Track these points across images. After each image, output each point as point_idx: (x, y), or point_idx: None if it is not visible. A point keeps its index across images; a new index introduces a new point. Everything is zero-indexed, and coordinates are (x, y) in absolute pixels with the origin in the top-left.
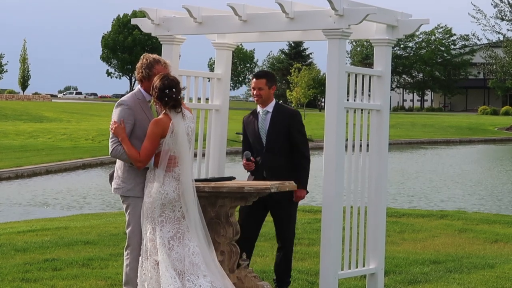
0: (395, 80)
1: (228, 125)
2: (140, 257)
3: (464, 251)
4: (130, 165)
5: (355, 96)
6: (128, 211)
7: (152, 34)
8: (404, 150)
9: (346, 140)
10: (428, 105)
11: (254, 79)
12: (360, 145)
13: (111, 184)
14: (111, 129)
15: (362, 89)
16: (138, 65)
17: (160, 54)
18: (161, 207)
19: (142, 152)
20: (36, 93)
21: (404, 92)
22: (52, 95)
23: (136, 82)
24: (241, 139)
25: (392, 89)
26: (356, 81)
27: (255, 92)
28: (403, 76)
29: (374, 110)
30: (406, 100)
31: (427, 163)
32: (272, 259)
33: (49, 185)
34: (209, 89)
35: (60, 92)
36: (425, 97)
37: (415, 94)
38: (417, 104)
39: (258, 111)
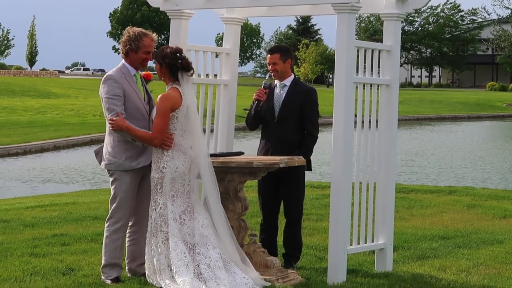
0: (403, 56)
1: (237, 100)
2: (147, 234)
3: (473, 227)
4: (119, 140)
5: (364, 71)
6: (115, 185)
7: (161, 9)
8: (412, 126)
9: (356, 116)
10: (436, 81)
11: (268, 55)
12: (370, 121)
13: (97, 159)
14: (111, 126)
15: (372, 64)
16: (124, 39)
17: (168, 30)
18: (172, 182)
19: (154, 129)
20: (43, 69)
21: (412, 68)
22: (59, 71)
23: (121, 56)
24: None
25: (400, 65)
26: (365, 56)
27: (270, 68)
28: (411, 52)
29: (383, 85)
30: (414, 76)
31: (435, 139)
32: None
33: (57, 161)
34: (218, 65)
35: (67, 68)
36: (433, 73)
37: (423, 70)
38: (425, 80)
39: (275, 83)
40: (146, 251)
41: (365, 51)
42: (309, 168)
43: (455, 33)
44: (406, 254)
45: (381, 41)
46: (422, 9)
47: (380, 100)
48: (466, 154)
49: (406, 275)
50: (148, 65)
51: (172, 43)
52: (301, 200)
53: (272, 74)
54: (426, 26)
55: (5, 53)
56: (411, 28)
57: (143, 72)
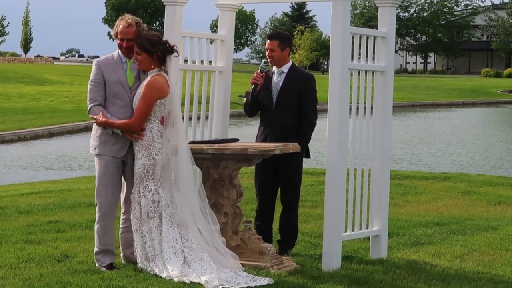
0: (398, 42)
1: (232, 87)
2: (134, 221)
3: (467, 213)
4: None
5: (359, 58)
6: (96, 169)
7: None
8: (407, 112)
9: (350, 103)
10: (431, 68)
11: (268, 40)
12: (364, 107)
13: None
14: (96, 124)
15: (367, 51)
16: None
17: (162, 17)
18: (162, 168)
19: (136, 113)
20: (38, 56)
21: (407, 55)
22: (54, 58)
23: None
24: (244, 102)
25: (395, 51)
26: (360, 42)
27: (267, 53)
28: (406, 38)
29: (378, 72)
30: (409, 63)
31: (430, 126)
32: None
33: (52, 148)
34: (213, 51)
35: (62, 54)
36: (428, 60)
37: (418, 56)
38: (420, 67)
39: (273, 70)
40: (135, 239)
41: (360, 37)
42: (308, 155)
43: (450, 19)
44: (401, 240)
45: (376, 27)
46: None
47: (375, 87)
48: (461, 141)
49: (401, 261)
50: (132, 51)
51: (167, 30)
52: (298, 187)
53: (268, 60)
54: (421, 12)
55: (0, 40)
56: (406, 15)
57: None
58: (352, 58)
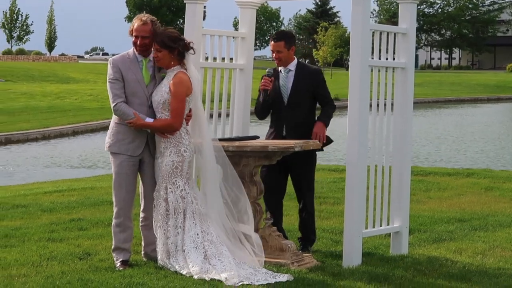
0: (423, 38)
1: (253, 84)
2: (158, 218)
3: (490, 209)
4: (115, 122)
5: (380, 54)
6: (112, 167)
7: None
8: (431, 108)
9: (371, 99)
10: (456, 63)
11: (272, 42)
12: (385, 104)
13: None
14: (131, 124)
15: (387, 47)
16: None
17: (185, 15)
18: (188, 165)
19: (173, 114)
20: (62, 54)
21: (432, 50)
22: (78, 56)
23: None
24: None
25: (419, 47)
26: (380, 39)
27: (274, 55)
28: (431, 34)
29: (399, 68)
30: (433, 59)
31: (454, 122)
32: (296, 218)
33: (76, 146)
34: (233, 49)
35: (86, 53)
36: (453, 55)
37: (442, 52)
38: (444, 62)
39: (280, 69)
40: (158, 235)
41: (380, 34)
42: (330, 140)
43: (475, 15)
44: (422, 237)
45: (395, 22)
46: None
47: (396, 83)
48: (485, 137)
49: (422, 257)
50: (146, 50)
51: (188, 28)
52: (313, 185)
53: (275, 61)
54: (446, 8)
55: (25, 39)
56: (431, 10)
57: None
58: (372, 55)
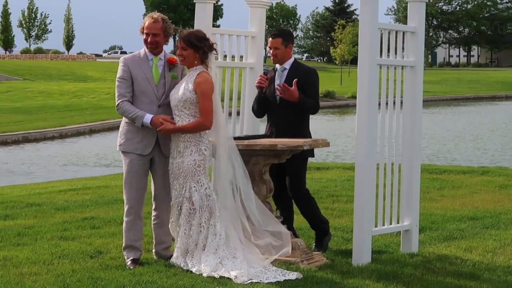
0: (441, 35)
1: None
2: (183, 217)
3: (503, 208)
4: (126, 121)
5: (388, 52)
6: (123, 166)
7: None
8: (448, 106)
9: (381, 98)
10: (475, 61)
11: (270, 38)
12: (394, 102)
13: None
14: (161, 130)
15: (396, 46)
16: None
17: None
18: (208, 163)
19: (203, 112)
20: (80, 53)
21: (450, 48)
22: (96, 55)
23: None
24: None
25: (438, 44)
26: (389, 37)
27: (271, 52)
28: (449, 31)
29: (408, 67)
30: (452, 56)
31: (472, 120)
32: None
33: (92, 144)
34: (243, 47)
35: (105, 51)
36: (472, 53)
37: (461, 49)
38: (463, 60)
39: (276, 67)
40: (179, 234)
41: (389, 32)
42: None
43: (494, 12)
44: (433, 235)
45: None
46: None
47: (405, 82)
48: (502, 134)
49: (431, 255)
50: (157, 47)
51: (198, 27)
52: (301, 179)
53: (272, 58)
54: (464, 5)
55: (43, 38)
56: (449, 8)
57: (168, 57)
58: (381, 53)
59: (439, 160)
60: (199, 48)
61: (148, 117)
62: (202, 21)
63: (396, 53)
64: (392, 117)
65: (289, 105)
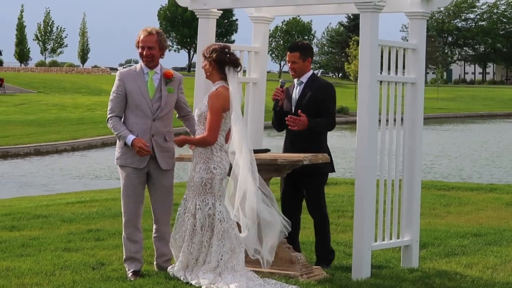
0: (456, 52)
1: (266, 98)
2: (187, 232)
3: (508, 224)
4: None
5: (389, 69)
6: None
7: (189, 8)
8: (462, 123)
9: (381, 114)
10: (490, 78)
11: (288, 52)
12: (394, 119)
13: None
14: (177, 145)
15: (396, 63)
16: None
17: (218, 28)
18: (220, 182)
19: (207, 127)
20: (95, 67)
21: (466, 65)
22: (111, 68)
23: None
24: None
25: (453, 61)
26: (389, 54)
27: (289, 65)
28: (465, 48)
29: (408, 83)
30: (467, 73)
31: (486, 136)
32: (311, 231)
33: (104, 157)
34: (247, 63)
35: (120, 65)
36: (487, 70)
37: (476, 66)
38: (478, 77)
39: (294, 80)
40: (182, 249)
41: (390, 49)
42: (333, 169)
43: (509, 29)
44: (435, 251)
45: (429, 36)
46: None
47: (406, 98)
48: None
49: (431, 271)
50: (152, 60)
51: (200, 42)
52: (321, 202)
53: (290, 72)
54: (480, 22)
55: (58, 51)
56: (465, 25)
57: (164, 70)
58: (381, 70)
59: (453, 178)
60: (209, 60)
61: (129, 138)
62: (204, 35)
63: (396, 69)
64: (392, 133)
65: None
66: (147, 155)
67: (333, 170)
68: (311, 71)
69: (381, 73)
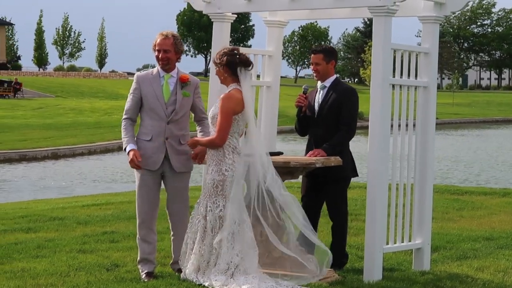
0: (472, 58)
1: (280, 102)
2: (198, 234)
3: None
4: (137, 137)
5: (401, 73)
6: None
7: (204, 12)
8: (476, 129)
9: (393, 118)
10: (506, 84)
11: (312, 54)
12: (407, 124)
13: None
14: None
15: (409, 66)
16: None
17: (235, 32)
18: (231, 184)
19: (217, 129)
20: (113, 71)
21: (481, 71)
22: (129, 73)
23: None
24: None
25: (469, 67)
26: (402, 58)
27: (312, 67)
28: (480, 54)
29: (421, 87)
30: (483, 79)
31: (501, 142)
32: (327, 233)
33: (120, 161)
34: (260, 66)
35: (138, 70)
36: (503, 75)
37: (492, 72)
38: (494, 83)
39: (317, 85)
40: (194, 250)
41: (402, 53)
42: (355, 174)
43: None
44: (447, 254)
45: (445, 42)
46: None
47: (418, 102)
48: None
49: (443, 274)
50: (168, 64)
51: (215, 45)
52: (343, 204)
53: (314, 74)
54: (496, 27)
55: (76, 56)
56: (481, 30)
57: (181, 74)
58: (394, 73)
59: (470, 183)
60: (221, 64)
61: (129, 147)
62: (219, 39)
63: (409, 73)
64: (404, 137)
65: (325, 122)
66: (137, 168)
67: (356, 175)
68: (335, 76)
69: (393, 76)
